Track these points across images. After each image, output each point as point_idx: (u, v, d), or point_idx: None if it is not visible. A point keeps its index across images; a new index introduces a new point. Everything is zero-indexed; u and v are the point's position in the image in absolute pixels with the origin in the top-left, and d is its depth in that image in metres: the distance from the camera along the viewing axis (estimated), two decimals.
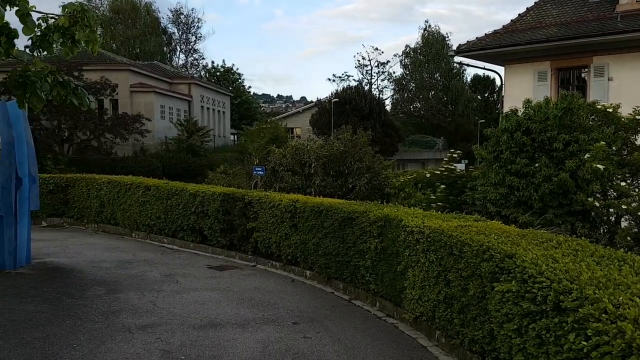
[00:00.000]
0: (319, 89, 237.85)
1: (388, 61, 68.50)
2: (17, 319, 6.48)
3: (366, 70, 66.70)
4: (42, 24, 6.71)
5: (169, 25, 68.55)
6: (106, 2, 63.49)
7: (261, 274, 9.49)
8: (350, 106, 44.09)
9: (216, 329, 6.34)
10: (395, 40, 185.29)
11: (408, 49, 64.49)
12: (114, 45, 61.16)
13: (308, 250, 8.88)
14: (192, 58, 70.15)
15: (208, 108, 48.83)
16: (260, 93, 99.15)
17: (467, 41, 19.03)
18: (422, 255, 6.17)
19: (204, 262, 10.38)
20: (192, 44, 69.63)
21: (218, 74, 66.17)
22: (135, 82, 39.29)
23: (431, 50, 62.12)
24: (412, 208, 7.76)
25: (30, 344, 5.65)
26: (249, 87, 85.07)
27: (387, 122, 46.18)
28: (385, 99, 61.59)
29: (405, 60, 64.29)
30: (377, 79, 67.42)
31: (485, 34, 18.69)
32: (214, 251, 11.25)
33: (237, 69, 70.59)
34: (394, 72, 73.26)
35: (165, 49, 67.60)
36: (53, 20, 6.76)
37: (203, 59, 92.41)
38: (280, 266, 9.74)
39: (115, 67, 38.12)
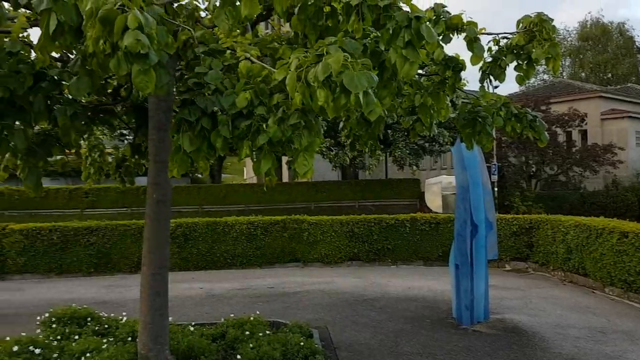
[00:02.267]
0: None
1: None
2: None
3: None
4: (493, 48, 5.71)
5: None
6: (575, 32, 61.24)
7: None
8: None
9: None
10: None
11: None
12: (582, 74, 58.28)
13: None
14: None
15: None
16: None
17: None
18: None
19: None
20: None
21: None
22: (606, 109, 35.54)
23: None
24: None
25: None
26: None
27: None
28: None
29: None
30: None
31: None
32: None
33: None
34: None
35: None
36: (505, 40, 5.66)
37: None
38: None
39: (583, 96, 35.51)
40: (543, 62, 5.37)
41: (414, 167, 30.75)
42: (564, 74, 60.41)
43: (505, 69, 5.65)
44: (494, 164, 30.52)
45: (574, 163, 30.33)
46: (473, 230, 8.25)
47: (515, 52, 5.46)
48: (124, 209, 31.08)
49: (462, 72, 5.71)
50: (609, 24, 58.82)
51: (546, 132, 6.23)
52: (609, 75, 56.72)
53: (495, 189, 30.42)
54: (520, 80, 5.66)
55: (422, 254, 14.66)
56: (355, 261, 14.69)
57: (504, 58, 5.56)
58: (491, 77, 5.74)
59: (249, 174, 50.05)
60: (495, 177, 30.46)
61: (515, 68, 5.62)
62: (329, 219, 14.72)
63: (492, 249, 8.65)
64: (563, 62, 63.30)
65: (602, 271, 10.99)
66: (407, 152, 30.51)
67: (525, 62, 5.50)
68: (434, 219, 14.68)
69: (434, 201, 9.95)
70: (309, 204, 31.87)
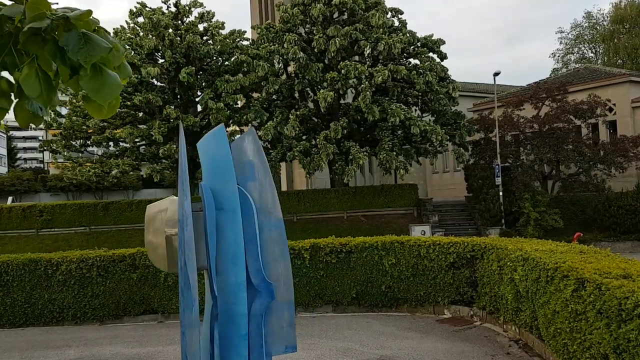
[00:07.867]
0: None
1: None
2: None
3: None
4: None
5: None
6: (608, 15, 54.86)
7: None
8: None
9: None
10: None
11: None
12: (618, 61, 52.07)
13: None
14: None
15: None
16: None
17: None
18: None
19: None
20: None
21: None
22: (638, 96, 30.07)
23: None
24: None
25: None
26: None
27: None
28: None
29: None
30: None
31: None
32: None
33: None
34: None
35: None
36: None
37: None
38: None
39: (609, 82, 30.08)
40: None
41: (402, 172, 26.15)
42: (598, 61, 54.29)
43: None
44: (496, 164, 25.67)
45: (597, 160, 25.14)
46: (214, 306, 4.04)
47: None
48: (82, 227, 28.07)
49: None
50: None
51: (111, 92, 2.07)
52: None
53: (500, 193, 25.58)
54: None
55: (329, 297, 10.47)
56: None
57: None
58: None
59: None
60: (498, 180, 25.63)
61: None
62: None
63: (280, 338, 4.32)
64: (596, 49, 57.06)
65: (557, 338, 6.56)
66: (395, 153, 25.74)
67: None
68: (343, 246, 10.43)
69: (156, 249, 4.31)
70: (291, 215, 27.91)
